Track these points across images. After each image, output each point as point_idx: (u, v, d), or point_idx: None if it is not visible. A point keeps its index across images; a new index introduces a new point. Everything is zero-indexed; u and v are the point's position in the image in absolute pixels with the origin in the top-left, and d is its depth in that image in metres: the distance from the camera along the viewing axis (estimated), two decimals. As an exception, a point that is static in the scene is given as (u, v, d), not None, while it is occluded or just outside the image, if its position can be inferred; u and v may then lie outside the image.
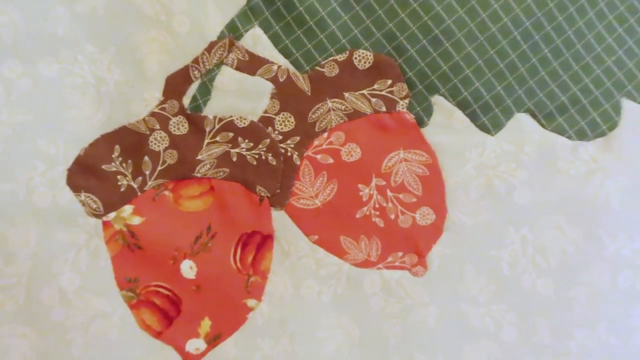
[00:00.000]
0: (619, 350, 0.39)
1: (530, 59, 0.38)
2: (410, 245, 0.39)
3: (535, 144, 0.39)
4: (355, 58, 0.38)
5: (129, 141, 0.38)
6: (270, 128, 0.39)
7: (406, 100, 0.39)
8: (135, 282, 0.39)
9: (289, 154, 0.39)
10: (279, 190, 0.39)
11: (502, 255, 0.39)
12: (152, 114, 0.38)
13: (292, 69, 0.38)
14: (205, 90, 0.38)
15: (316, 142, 0.39)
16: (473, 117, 0.39)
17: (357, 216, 0.39)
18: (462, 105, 0.38)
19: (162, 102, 0.38)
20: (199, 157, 0.38)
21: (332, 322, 0.39)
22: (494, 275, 0.39)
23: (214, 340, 0.39)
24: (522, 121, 0.39)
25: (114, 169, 0.38)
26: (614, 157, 0.39)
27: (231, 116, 0.38)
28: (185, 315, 0.39)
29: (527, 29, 0.37)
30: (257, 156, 0.39)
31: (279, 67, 0.38)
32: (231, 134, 0.38)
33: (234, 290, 0.39)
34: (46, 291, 0.38)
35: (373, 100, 0.39)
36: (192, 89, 0.38)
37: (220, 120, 0.38)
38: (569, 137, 0.39)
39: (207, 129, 0.38)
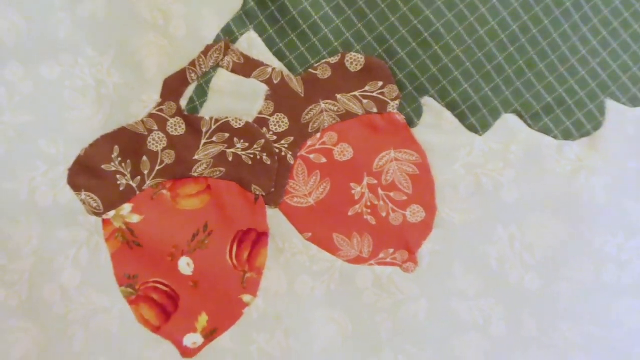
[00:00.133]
0: (603, 342, 0.39)
1: (517, 61, 0.38)
2: (401, 242, 0.39)
3: (522, 144, 0.39)
4: (347, 61, 0.38)
5: (128, 142, 0.38)
6: (265, 129, 0.39)
7: (397, 102, 0.39)
8: (135, 278, 0.38)
9: (283, 153, 0.39)
10: (273, 189, 0.39)
11: (490, 251, 0.39)
12: (151, 116, 0.38)
13: (286, 71, 0.38)
14: (201, 92, 0.38)
15: (309, 142, 0.39)
16: (462, 118, 0.39)
17: (350, 214, 0.39)
18: (451, 106, 0.39)
19: (160, 104, 0.38)
20: (196, 157, 0.39)
21: (325, 317, 0.39)
22: (482, 271, 0.39)
23: (210, 334, 0.39)
24: (509, 121, 0.39)
25: (113, 168, 0.38)
26: (599, 156, 0.39)
27: (227, 117, 0.38)
28: (183, 310, 0.39)
29: (514, 32, 0.38)
30: (252, 156, 0.39)
31: (274, 69, 0.38)
32: (227, 135, 0.38)
33: (230, 286, 0.39)
34: (48, 287, 0.38)
35: (364, 101, 0.39)
36: (189, 91, 0.38)
37: (217, 121, 0.38)
38: (555, 137, 0.39)
39: (204, 130, 0.38)
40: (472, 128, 0.39)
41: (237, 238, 0.39)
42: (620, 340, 0.40)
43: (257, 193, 0.39)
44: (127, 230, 0.38)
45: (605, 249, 0.39)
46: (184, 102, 0.38)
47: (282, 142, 0.39)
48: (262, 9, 0.38)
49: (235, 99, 0.39)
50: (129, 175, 0.38)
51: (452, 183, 0.39)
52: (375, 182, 0.39)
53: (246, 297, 0.39)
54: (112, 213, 0.38)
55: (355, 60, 0.38)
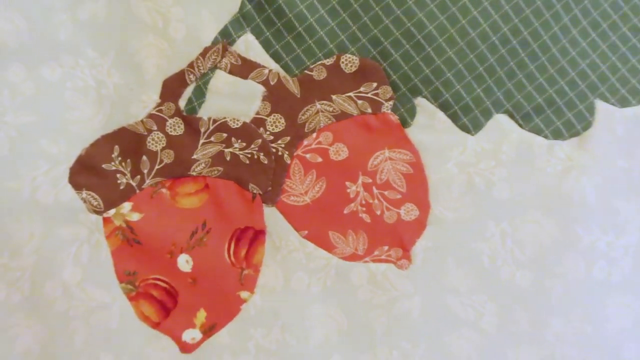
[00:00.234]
0: (593, 338, 0.39)
1: (508, 62, 0.38)
2: (395, 240, 0.39)
3: (514, 143, 0.39)
4: (342, 62, 0.39)
5: (128, 141, 0.38)
6: (262, 129, 0.39)
7: (391, 102, 0.39)
8: (134, 275, 0.39)
9: (279, 153, 0.39)
10: (270, 188, 0.39)
11: (482, 248, 0.39)
12: (150, 116, 0.38)
13: (282, 72, 0.39)
14: (200, 93, 0.39)
15: (305, 142, 0.39)
16: (454, 118, 0.39)
17: (345, 212, 0.39)
18: (444, 107, 0.39)
19: (159, 105, 0.38)
20: (195, 156, 0.39)
21: (321, 313, 0.39)
22: (474, 268, 0.39)
23: (209, 330, 0.39)
24: (500, 121, 0.39)
25: (113, 167, 0.38)
26: (589, 155, 0.39)
27: (225, 118, 0.39)
28: (182, 306, 0.39)
29: (505, 34, 0.38)
30: (249, 155, 0.39)
31: (270, 71, 0.39)
32: (225, 135, 0.39)
33: (228, 283, 0.39)
34: (49, 284, 0.38)
35: (359, 102, 0.39)
36: (188, 91, 0.39)
37: (215, 121, 0.39)
38: (546, 137, 0.39)
39: (202, 130, 0.39)
40: (464, 128, 0.39)
41: (235, 236, 0.39)
42: (611, 336, 0.40)
43: (255, 192, 0.39)
44: (127, 228, 0.39)
45: (595, 247, 0.39)
46: (182, 103, 0.39)
47: (279, 141, 0.39)
48: (259, 12, 0.38)
49: (232, 99, 0.39)
50: (129, 174, 0.38)
51: (445, 182, 0.39)
52: (370, 181, 0.39)
53: (244, 294, 0.39)
54: (112, 211, 0.38)
55: (350, 62, 0.39)
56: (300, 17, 0.38)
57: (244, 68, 0.39)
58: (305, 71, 0.39)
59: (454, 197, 0.39)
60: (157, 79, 0.38)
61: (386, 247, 0.40)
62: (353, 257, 0.40)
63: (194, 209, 0.39)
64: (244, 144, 0.39)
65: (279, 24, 0.38)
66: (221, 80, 0.39)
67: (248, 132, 0.39)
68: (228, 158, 0.39)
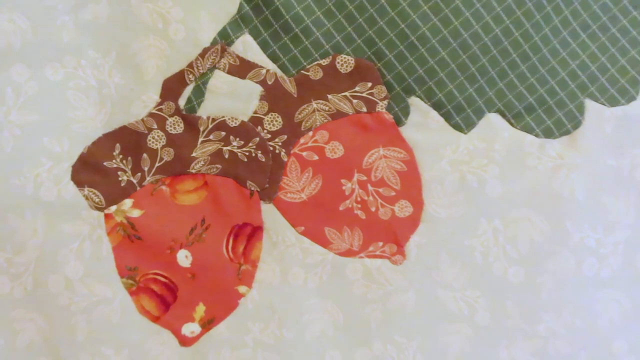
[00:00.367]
0: (584, 332, 0.40)
1: (499, 62, 0.38)
2: (389, 236, 0.40)
3: (505, 142, 0.39)
4: (338, 62, 0.39)
5: (128, 140, 0.38)
6: (259, 127, 0.39)
7: (385, 102, 0.39)
8: (135, 270, 0.39)
9: (277, 151, 0.39)
10: (267, 185, 0.39)
11: (475, 244, 0.39)
12: (150, 115, 0.39)
13: (279, 72, 0.39)
14: (199, 93, 0.39)
15: (302, 140, 0.39)
16: (447, 117, 0.39)
17: (341, 209, 0.40)
18: (437, 106, 0.39)
19: (160, 104, 0.39)
20: (194, 154, 0.39)
21: (317, 307, 0.39)
22: (467, 263, 0.39)
23: (208, 324, 0.39)
24: (492, 120, 0.39)
25: (114, 165, 0.38)
26: (579, 153, 0.39)
27: (223, 116, 0.39)
28: (181, 301, 0.39)
29: (497, 35, 0.38)
30: (247, 153, 0.39)
31: (268, 71, 0.39)
32: (223, 133, 0.39)
33: (227, 278, 0.39)
34: (52, 278, 0.38)
35: (354, 101, 0.39)
36: (187, 91, 0.39)
37: (213, 120, 0.39)
38: (537, 135, 0.39)
39: (201, 129, 0.39)
40: (457, 127, 0.39)
41: (233, 232, 0.39)
42: (601, 330, 0.40)
43: (252, 189, 0.39)
44: (128, 224, 0.39)
45: (585, 243, 0.39)
46: (182, 102, 0.39)
47: (276, 140, 0.39)
48: (257, 13, 0.38)
49: (231, 99, 0.39)
50: (129, 172, 0.39)
51: (438, 179, 0.39)
52: (365, 178, 0.40)
53: (242, 289, 0.39)
54: (113, 208, 0.39)
55: (345, 62, 0.39)
56: (297, 18, 0.38)
57: (242, 68, 0.39)
58: (302, 71, 0.39)
59: (447, 194, 0.39)
60: (157, 79, 0.38)
61: (381, 243, 0.40)
62: (348, 253, 0.40)
63: (193, 206, 0.39)
64: (242, 142, 0.39)
65: (276, 26, 0.38)
66: (220, 80, 0.39)
67: (246, 130, 0.39)
68: (226, 156, 0.39)
